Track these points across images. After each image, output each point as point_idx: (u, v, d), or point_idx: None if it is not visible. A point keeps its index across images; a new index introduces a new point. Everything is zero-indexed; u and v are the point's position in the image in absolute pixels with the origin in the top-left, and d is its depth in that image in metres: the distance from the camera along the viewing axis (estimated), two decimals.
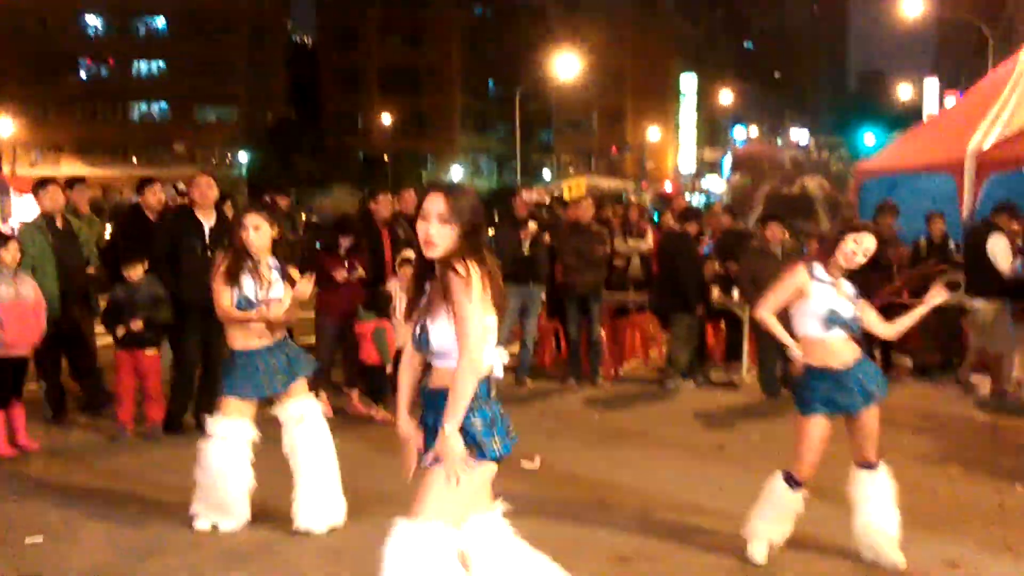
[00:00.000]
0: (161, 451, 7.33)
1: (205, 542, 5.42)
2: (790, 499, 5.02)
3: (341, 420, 8.32)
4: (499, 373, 3.44)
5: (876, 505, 4.99)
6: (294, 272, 5.82)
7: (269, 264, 5.60)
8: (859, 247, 4.94)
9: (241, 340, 5.52)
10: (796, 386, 5.10)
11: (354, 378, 8.83)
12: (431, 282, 3.40)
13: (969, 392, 9.69)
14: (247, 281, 5.49)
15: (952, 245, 10.97)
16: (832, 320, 4.92)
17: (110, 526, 5.65)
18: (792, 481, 5.02)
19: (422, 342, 3.35)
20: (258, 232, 5.47)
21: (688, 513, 5.89)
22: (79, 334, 8.36)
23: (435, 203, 3.29)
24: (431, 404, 3.42)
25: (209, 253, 7.54)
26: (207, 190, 7.74)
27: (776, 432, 8.05)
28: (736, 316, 10.59)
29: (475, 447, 3.31)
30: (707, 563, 5.09)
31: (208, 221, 7.76)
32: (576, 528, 5.63)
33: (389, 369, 8.47)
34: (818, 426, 4.96)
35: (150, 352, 7.68)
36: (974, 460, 7.15)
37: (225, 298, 5.45)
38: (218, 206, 8.00)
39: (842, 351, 4.99)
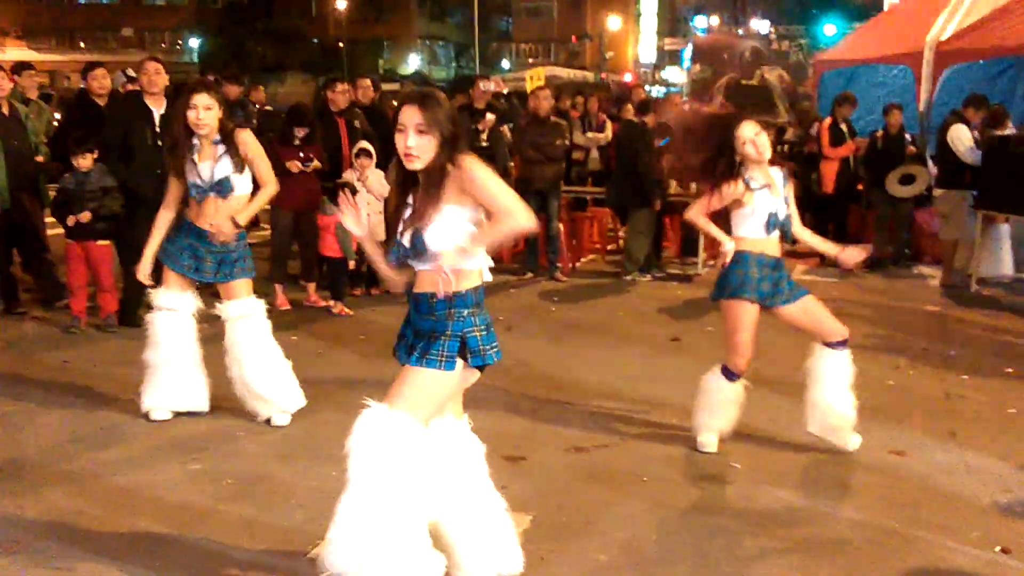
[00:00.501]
0: (117, 342, 7.29)
1: (163, 430, 5.44)
2: (729, 391, 5.11)
3: (297, 314, 8.33)
4: (488, 277, 3.43)
5: (831, 382, 5.07)
6: (248, 142, 5.49)
7: (214, 142, 5.38)
8: (747, 140, 4.91)
9: (190, 215, 5.46)
10: (724, 273, 5.06)
11: (311, 271, 8.79)
12: (414, 192, 3.37)
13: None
14: (194, 166, 5.36)
15: (909, 137, 11.01)
16: (772, 224, 4.95)
17: (65, 415, 5.64)
18: (729, 374, 5.10)
19: (417, 248, 3.30)
20: (209, 112, 5.30)
21: (643, 404, 5.99)
22: (29, 224, 8.21)
23: (411, 115, 3.26)
24: (416, 307, 3.42)
25: (160, 141, 7.41)
26: (155, 76, 7.52)
27: None
28: None
29: (473, 353, 3.32)
30: (660, 453, 5.19)
31: (158, 108, 7.56)
32: (532, 419, 5.71)
33: (352, 264, 8.42)
34: (749, 311, 4.99)
35: (101, 243, 7.55)
36: (922, 351, 7.31)
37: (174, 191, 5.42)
38: (168, 93, 7.79)
39: (776, 250, 5.02)
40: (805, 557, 4.01)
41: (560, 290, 9.71)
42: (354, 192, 8.44)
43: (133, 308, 7.71)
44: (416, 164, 3.29)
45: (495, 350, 3.41)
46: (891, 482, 4.84)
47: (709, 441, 5.19)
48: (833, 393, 5.06)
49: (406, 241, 3.33)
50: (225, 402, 5.68)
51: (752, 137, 4.90)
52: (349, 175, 8.61)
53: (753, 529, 4.27)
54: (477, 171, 3.25)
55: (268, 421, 5.54)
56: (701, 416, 5.20)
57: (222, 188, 5.36)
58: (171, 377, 5.58)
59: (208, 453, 5.12)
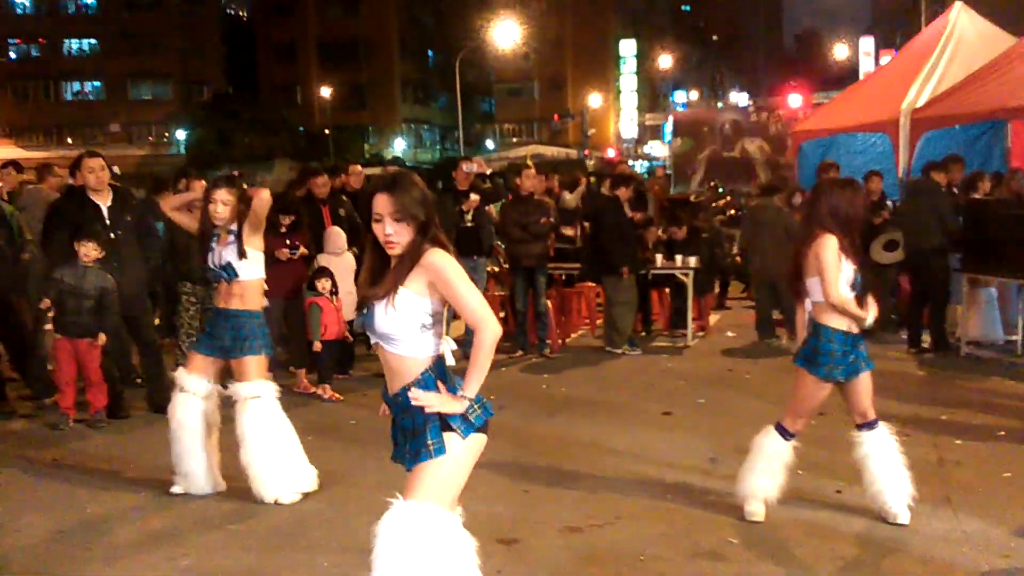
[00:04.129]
0: (104, 438, 7.20)
1: (152, 521, 5.39)
2: (781, 450, 5.14)
3: (287, 399, 8.26)
4: (451, 361, 3.42)
5: (881, 462, 5.09)
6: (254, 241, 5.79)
7: (228, 230, 5.71)
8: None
9: (215, 300, 5.87)
10: (815, 347, 5.04)
11: (302, 357, 8.77)
12: (385, 272, 3.39)
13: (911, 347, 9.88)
14: (212, 252, 5.72)
15: (890, 204, 11.12)
16: (857, 281, 5.01)
17: (51, 513, 5.53)
18: (784, 432, 5.15)
19: (367, 321, 3.35)
20: (226, 207, 5.66)
21: (637, 481, 5.94)
22: (16, 321, 8.19)
23: (384, 203, 3.30)
24: (393, 410, 3.42)
25: (112, 234, 7.54)
26: (101, 173, 7.70)
27: (722, 399, 8.17)
28: (680, 282, 10.67)
29: (458, 426, 3.30)
30: (656, 531, 5.14)
31: (104, 203, 7.72)
32: (525, 499, 5.66)
33: (317, 347, 8.39)
34: (826, 390, 5.08)
35: (89, 339, 7.50)
36: (913, 416, 7.28)
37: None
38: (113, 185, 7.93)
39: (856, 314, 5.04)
40: None
41: (550, 366, 9.70)
42: (333, 282, 8.50)
43: (118, 399, 7.69)
44: (397, 251, 3.32)
45: (482, 408, 3.37)
46: (887, 552, 4.79)
47: (757, 510, 5.18)
48: (888, 471, 5.09)
49: (369, 322, 3.36)
50: (233, 482, 5.73)
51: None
52: (324, 259, 8.78)
53: None
54: (449, 270, 3.27)
55: (276, 501, 5.58)
56: (751, 480, 5.19)
57: (227, 272, 5.68)
58: (183, 456, 5.74)
59: (196, 546, 5.04)
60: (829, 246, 4.93)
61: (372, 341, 3.42)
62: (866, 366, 5.10)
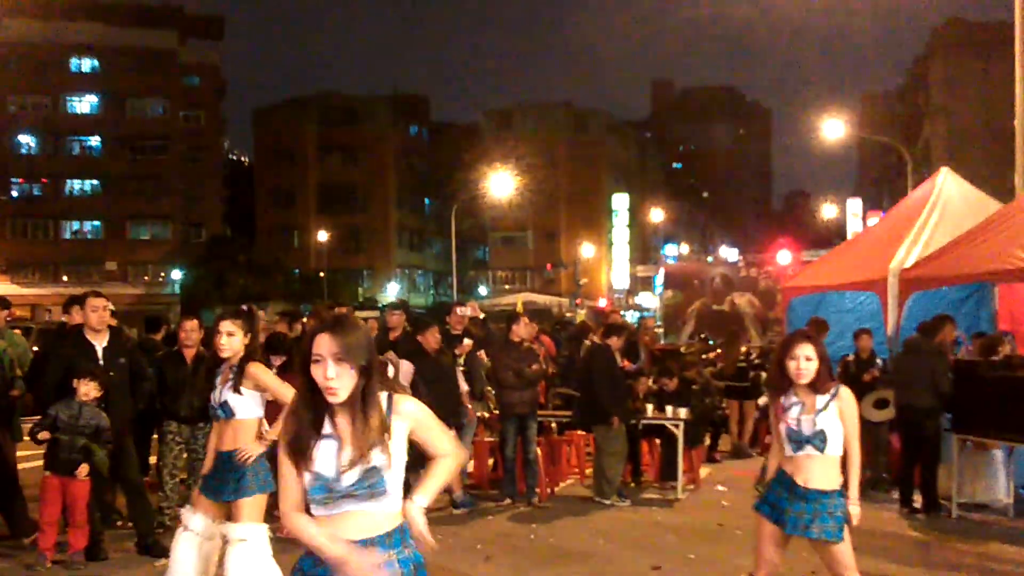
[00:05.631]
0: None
1: None
2: None
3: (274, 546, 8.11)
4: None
5: None
6: (259, 369, 5.77)
7: (231, 368, 5.72)
8: (796, 360, 5.02)
9: (215, 440, 5.81)
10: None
11: None
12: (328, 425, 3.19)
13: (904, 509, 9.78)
14: (215, 388, 5.73)
15: (880, 362, 11.18)
16: (792, 440, 5.00)
17: None
18: None
19: (375, 488, 3.14)
20: (231, 338, 5.69)
21: None
22: (3, 458, 8.08)
23: (325, 344, 3.11)
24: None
25: (111, 374, 7.52)
26: (103, 312, 7.71)
27: (713, 552, 8.04)
28: (671, 434, 10.64)
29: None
30: None
31: (100, 343, 7.72)
32: None
33: None
34: (763, 524, 5.06)
35: (82, 478, 7.38)
36: None
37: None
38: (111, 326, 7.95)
39: (813, 471, 4.99)
40: None
41: (539, 516, 9.55)
42: None
43: (97, 542, 7.54)
44: (339, 398, 3.11)
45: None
46: None
47: None
48: None
49: (351, 479, 3.12)
50: None
51: (803, 355, 5.02)
52: None
53: None
54: (429, 415, 3.28)
55: None
56: None
57: (224, 411, 5.68)
58: None
59: None
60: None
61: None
62: (827, 533, 4.92)
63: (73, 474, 7.28)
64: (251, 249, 58.47)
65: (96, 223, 61.68)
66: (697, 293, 46.72)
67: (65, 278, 57.74)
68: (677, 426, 10.52)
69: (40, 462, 7.52)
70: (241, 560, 5.51)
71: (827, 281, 13.94)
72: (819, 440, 4.97)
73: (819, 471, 4.98)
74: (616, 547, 8.33)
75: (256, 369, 5.73)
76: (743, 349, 15.89)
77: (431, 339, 9.63)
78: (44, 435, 7.29)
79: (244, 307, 6.18)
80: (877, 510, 9.72)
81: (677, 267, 58.93)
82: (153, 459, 9.53)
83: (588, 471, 11.48)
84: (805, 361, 4.98)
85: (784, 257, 49.46)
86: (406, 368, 9.21)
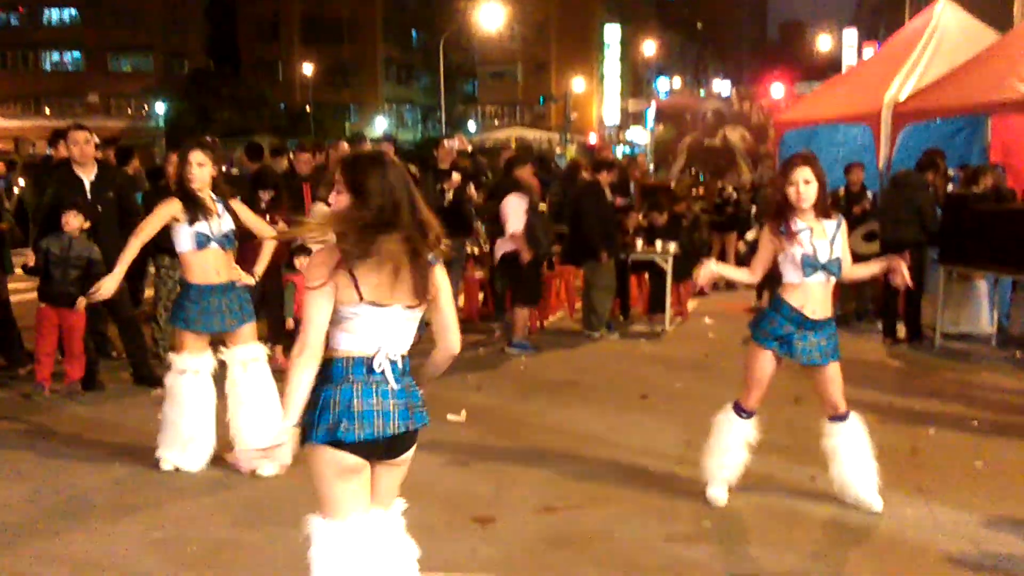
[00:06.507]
0: (82, 409, 7.15)
1: (127, 496, 5.33)
2: (740, 428, 5.18)
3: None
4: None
5: (850, 454, 5.14)
6: (238, 205, 5.87)
7: (212, 198, 5.69)
8: (795, 185, 4.99)
9: (200, 275, 5.67)
10: (758, 316, 5.21)
11: (279, 334, 8.73)
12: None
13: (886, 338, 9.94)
14: (200, 217, 5.62)
15: (870, 195, 11.17)
16: (808, 265, 4.99)
17: (27, 485, 5.51)
18: (741, 410, 5.19)
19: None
20: (202, 168, 5.62)
21: (612, 463, 5.96)
22: None
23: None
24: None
25: (99, 208, 7.47)
26: (86, 146, 7.62)
27: (699, 384, 8.19)
28: (659, 268, 10.70)
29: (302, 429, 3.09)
30: (630, 510, 5.16)
31: (88, 177, 7.65)
32: (502, 479, 5.66)
33: (289, 324, 8.35)
34: (767, 359, 5.10)
35: (77, 309, 7.43)
36: (888, 404, 7.34)
37: (184, 237, 5.62)
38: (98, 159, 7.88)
39: (819, 299, 5.04)
40: None
41: None
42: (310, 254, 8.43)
43: (93, 373, 7.64)
44: None
45: (343, 427, 3.04)
46: (859, 538, 4.84)
47: (718, 496, 5.22)
48: (856, 463, 5.13)
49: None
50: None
51: (802, 180, 4.97)
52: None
53: None
54: (443, 280, 3.31)
55: (253, 472, 5.51)
56: (711, 463, 5.24)
57: (228, 241, 5.69)
58: (184, 434, 5.68)
59: (172, 518, 5.03)
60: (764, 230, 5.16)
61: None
62: (826, 358, 5.07)
63: (70, 306, 7.34)
64: (235, 83, 57.31)
65: (76, 54, 60.38)
66: (689, 128, 46.28)
67: (47, 110, 56.87)
68: (666, 261, 10.57)
69: (31, 295, 7.56)
70: (256, 377, 5.73)
71: (820, 114, 13.81)
72: (835, 267, 5.02)
73: (823, 298, 5.06)
74: (604, 378, 8.49)
75: (238, 205, 5.86)
76: (718, 184, 16.00)
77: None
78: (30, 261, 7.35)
79: (207, 138, 6.15)
80: (861, 340, 9.90)
81: (669, 102, 58.23)
82: (149, 292, 9.60)
83: (578, 305, 11.60)
84: (804, 185, 4.95)
85: (778, 90, 48.84)
86: None
